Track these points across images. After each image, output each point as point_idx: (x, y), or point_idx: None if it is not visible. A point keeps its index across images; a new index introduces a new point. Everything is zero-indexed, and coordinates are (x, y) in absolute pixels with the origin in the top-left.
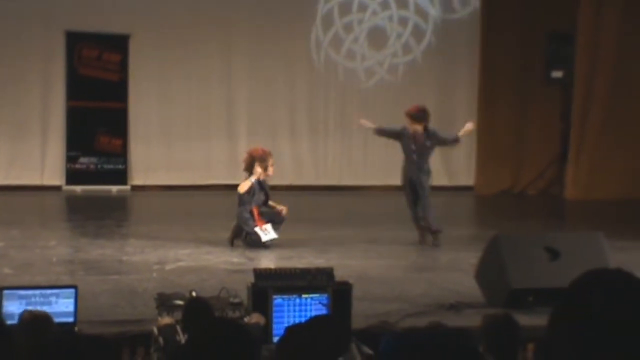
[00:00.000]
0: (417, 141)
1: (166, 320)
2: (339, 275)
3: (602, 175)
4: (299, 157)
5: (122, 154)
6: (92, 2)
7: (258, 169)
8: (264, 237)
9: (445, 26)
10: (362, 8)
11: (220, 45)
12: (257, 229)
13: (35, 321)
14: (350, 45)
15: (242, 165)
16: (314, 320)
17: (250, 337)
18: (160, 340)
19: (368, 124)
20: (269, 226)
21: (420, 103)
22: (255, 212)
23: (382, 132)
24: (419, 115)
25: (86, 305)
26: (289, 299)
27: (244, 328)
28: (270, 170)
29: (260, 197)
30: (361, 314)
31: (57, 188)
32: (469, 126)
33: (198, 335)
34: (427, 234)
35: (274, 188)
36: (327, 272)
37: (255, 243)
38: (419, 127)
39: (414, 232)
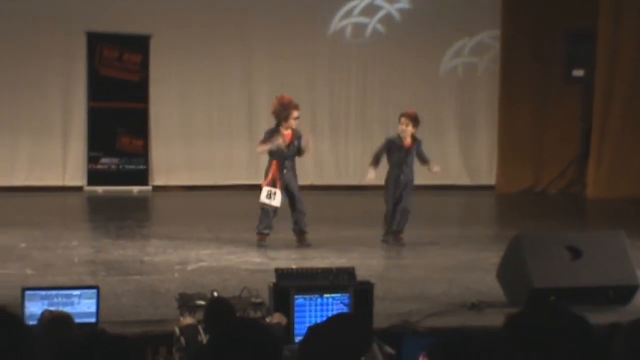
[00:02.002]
0: (406, 145)
1: (188, 320)
2: (361, 274)
3: (624, 174)
4: (320, 157)
5: (143, 155)
6: (112, 3)
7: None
8: (263, 198)
9: (466, 29)
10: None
11: (241, 44)
12: (264, 187)
13: (56, 321)
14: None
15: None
16: (336, 319)
17: (273, 338)
18: (182, 340)
19: (372, 173)
20: (278, 192)
21: (441, 104)
22: (274, 165)
23: (377, 160)
24: (417, 119)
25: (108, 305)
26: (311, 299)
27: (266, 328)
28: (292, 122)
29: (282, 150)
30: (382, 313)
31: (78, 189)
32: (436, 169)
33: (220, 336)
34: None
35: None
36: (349, 272)
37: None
38: (411, 131)
39: (435, 231)
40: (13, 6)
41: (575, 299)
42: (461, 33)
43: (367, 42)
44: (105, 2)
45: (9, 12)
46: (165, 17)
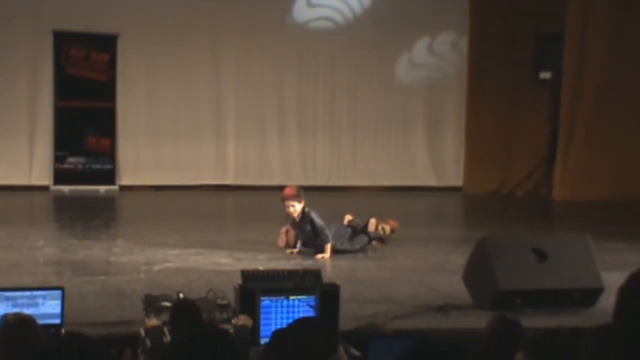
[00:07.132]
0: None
1: (153, 322)
2: (327, 276)
3: (590, 176)
4: (287, 158)
5: (110, 154)
6: (80, 2)
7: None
8: None
9: (434, 30)
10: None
11: (209, 45)
12: None
13: (19, 324)
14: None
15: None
16: (301, 323)
17: (233, 343)
18: (148, 342)
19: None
20: None
21: (409, 105)
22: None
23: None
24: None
25: (73, 306)
26: (277, 301)
27: (227, 333)
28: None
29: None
30: (349, 315)
31: (44, 188)
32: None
33: (181, 340)
34: None
35: (263, 188)
36: (315, 274)
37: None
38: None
39: (402, 232)
40: None
41: (540, 301)
42: (429, 33)
43: (336, 38)
44: (73, 1)
45: None
46: (133, 17)
